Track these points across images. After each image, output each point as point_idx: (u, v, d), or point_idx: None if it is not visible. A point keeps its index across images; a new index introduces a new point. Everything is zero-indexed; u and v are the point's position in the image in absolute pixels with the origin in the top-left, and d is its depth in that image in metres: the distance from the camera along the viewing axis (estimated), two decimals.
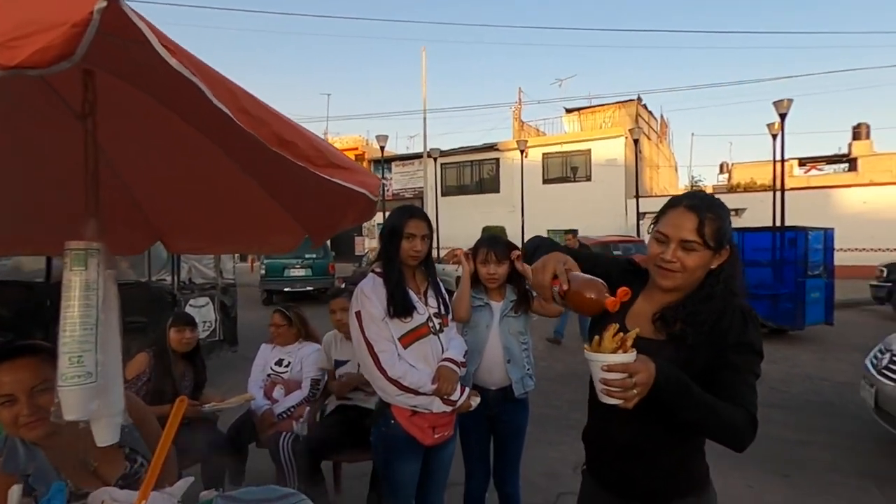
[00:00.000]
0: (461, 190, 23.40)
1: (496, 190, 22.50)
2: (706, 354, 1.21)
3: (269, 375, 3.28)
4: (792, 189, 15.84)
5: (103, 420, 1.17)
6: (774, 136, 13.59)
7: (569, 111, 24.94)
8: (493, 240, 2.43)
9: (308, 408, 3.03)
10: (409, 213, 2.01)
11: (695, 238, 1.19)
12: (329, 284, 13.11)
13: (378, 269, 2.01)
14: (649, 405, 1.06)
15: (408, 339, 1.93)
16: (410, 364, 1.93)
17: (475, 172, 23.45)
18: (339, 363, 2.99)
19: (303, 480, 2.80)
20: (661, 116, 27.48)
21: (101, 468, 1.36)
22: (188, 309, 5.51)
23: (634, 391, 1.01)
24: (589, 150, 20.84)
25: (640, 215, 16.77)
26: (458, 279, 2.53)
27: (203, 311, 5.95)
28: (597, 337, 1.08)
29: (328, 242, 13.51)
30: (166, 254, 5.97)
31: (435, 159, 20.93)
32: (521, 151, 18.93)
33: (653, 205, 19.16)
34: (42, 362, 1.31)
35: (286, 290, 12.78)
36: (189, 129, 1.70)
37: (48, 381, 1.26)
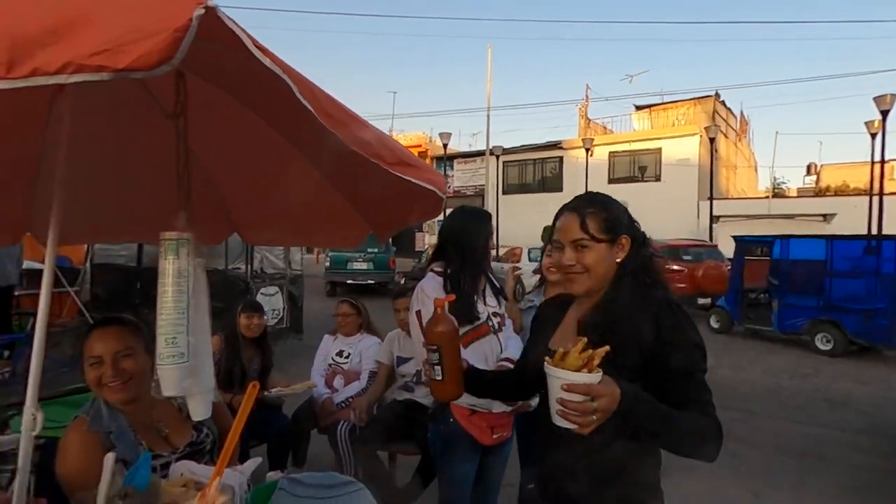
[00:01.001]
0: (522, 188, 23.11)
1: (559, 189, 22.03)
2: (635, 355, 1.12)
3: (329, 365, 3.40)
4: (892, 193, 14.32)
5: (197, 396, 1.27)
6: (874, 135, 12.34)
7: (639, 108, 23.95)
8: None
9: (366, 399, 3.11)
10: (488, 218, 2.03)
11: (581, 235, 1.18)
12: (389, 278, 13.42)
13: (438, 269, 2.00)
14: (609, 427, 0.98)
15: (468, 339, 1.92)
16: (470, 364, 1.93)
17: (538, 171, 23.08)
18: (401, 360, 3.06)
19: (360, 468, 2.89)
20: (742, 113, 25.73)
21: (171, 435, 1.51)
22: (259, 297, 5.82)
23: (593, 417, 0.92)
24: (659, 149, 19.91)
25: (713, 218, 15.83)
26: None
27: (272, 300, 6.27)
28: (561, 350, 0.99)
29: (390, 238, 13.84)
30: (241, 244, 6.35)
31: (497, 157, 20.82)
32: (587, 150, 18.41)
33: (728, 208, 18.04)
34: (128, 332, 1.50)
35: (349, 282, 13.21)
36: (268, 130, 1.79)
37: (131, 349, 1.46)
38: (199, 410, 1.36)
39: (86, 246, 6.49)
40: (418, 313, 1.96)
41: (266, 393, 3.06)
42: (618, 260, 1.21)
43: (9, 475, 1.64)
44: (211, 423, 1.56)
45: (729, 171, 23.31)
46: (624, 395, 0.94)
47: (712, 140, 16.45)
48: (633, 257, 1.22)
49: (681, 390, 1.09)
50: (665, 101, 23.52)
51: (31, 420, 1.18)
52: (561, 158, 22.20)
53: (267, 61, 0.71)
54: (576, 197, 1.28)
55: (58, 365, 4.56)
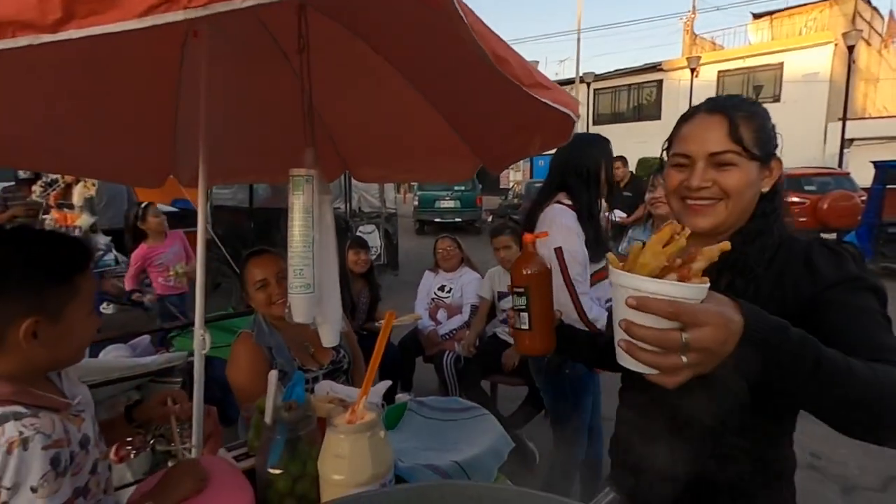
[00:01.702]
0: (616, 117, 21.51)
1: (657, 116, 20.22)
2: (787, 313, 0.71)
3: (432, 299, 3.52)
4: None
5: (326, 325, 1.36)
6: None
7: (757, 17, 20.83)
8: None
9: (473, 332, 3.20)
10: (607, 143, 1.90)
11: (728, 147, 0.86)
12: (476, 216, 13.44)
13: (566, 201, 1.88)
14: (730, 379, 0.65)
15: (594, 280, 1.85)
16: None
17: (633, 97, 21.25)
18: (501, 295, 3.10)
19: (464, 395, 3.04)
20: (891, 13, 21.45)
21: (317, 353, 1.73)
22: (358, 234, 6.11)
23: (682, 359, 0.57)
24: (781, 64, 17.36)
25: (844, 142, 13.79)
26: None
27: (370, 237, 6.56)
28: (638, 244, 0.65)
29: (475, 176, 13.72)
30: (341, 184, 6.61)
31: (588, 84, 19.42)
32: (692, 70, 16.54)
33: (865, 129, 15.54)
34: (278, 257, 1.71)
35: (437, 220, 13.42)
36: (378, 61, 1.77)
37: (283, 271, 1.61)
38: (329, 338, 1.46)
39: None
40: (559, 251, 1.77)
41: (375, 324, 3.26)
42: (764, 189, 0.91)
43: (178, 385, 1.92)
44: (347, 346, 1.72)
45: (869, 85, 19.89)
46: (750, 324, 0.59)
47: (851, 49, 13.98)
48: (779, 189, 0.93)
49: (845, 326, 0.76)
50: (791, 5, 20.19)
51: (201, 340, 1.34)
52: (660, 82, 20.19)
53: None
54: (714, 98, 0.95)
55: (192, 296, 5.19)
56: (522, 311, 1.05)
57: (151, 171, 2.15)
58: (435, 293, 3.53)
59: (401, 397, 1.63)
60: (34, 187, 5.02)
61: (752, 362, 0.61)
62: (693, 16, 21.35)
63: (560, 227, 1.79)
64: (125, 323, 3.93)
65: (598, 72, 19.91)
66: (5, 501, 0.84)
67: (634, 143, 19.39)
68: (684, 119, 0.96)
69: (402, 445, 1.35)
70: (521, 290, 1.05)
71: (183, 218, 6.54)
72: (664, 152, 1.02)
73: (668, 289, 0.57)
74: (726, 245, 0.64)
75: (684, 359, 0.57)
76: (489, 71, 0.89)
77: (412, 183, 14.33)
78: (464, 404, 1.59)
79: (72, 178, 4.85)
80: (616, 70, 21.28)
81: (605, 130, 20.66)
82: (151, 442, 1.39)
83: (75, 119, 1.71)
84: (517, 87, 0.96)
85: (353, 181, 6.23)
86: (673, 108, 19.02)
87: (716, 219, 0.89)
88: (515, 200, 15.28)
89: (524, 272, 1.05)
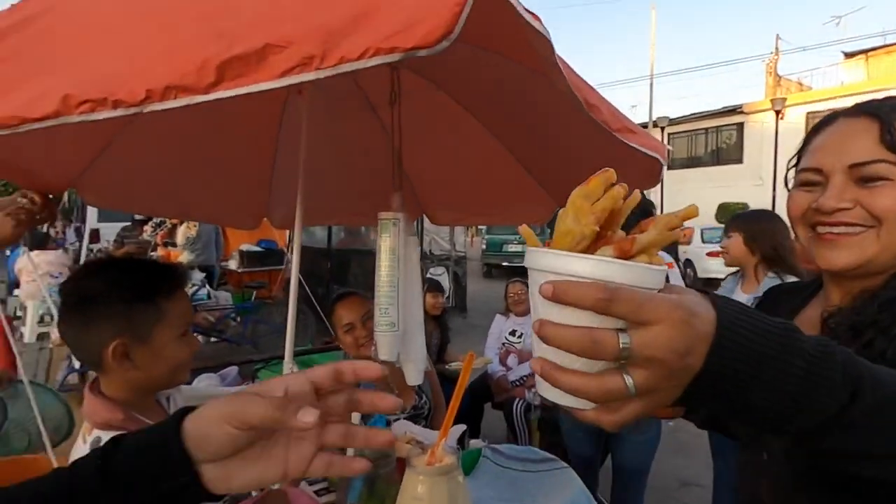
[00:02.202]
0: (692, 162, 20.76)
1: (738, 160, 19.29)
2: None
3: (503, 344, 3.48)
4: None
5: (410, 364, 1.38)
6: None
7: (849, 55, 19.65)
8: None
9: None
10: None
11: (880, 156, 0.63)
12: None
13: None
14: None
15: None
16: None
17: (711, 141, 20.48)
18: None
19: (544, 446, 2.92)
20: None
21: (401, 396, 1.73)
22: (429, 276, 6.22)
23: (629, 381, 0.37)
24: None
25: None
26: None
27: (440, 279, 6.65)
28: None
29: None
30: (415, 227, 6.83)
31: (662, 129, 18.99)
32: (777, 112, 15.74)
33: None
34: (363, 300, 1.78)
35: (504, 264, 13.38)
36: (457, 110, 1.86)
37: (369, 312, 1.66)
38: (412, 376, 1.48)
39: (287, 231, 7.60)
40: None
41: (446, 366, 3.25)
42: None
43: None
44: (429, 392, 1.73)
45: None
46: (726, 323, 0.38)
47: None
48: None
49: None
50: (888, 42, 18.89)
51: (289, 372, 1.40)
52: (740, 125, 19.35)
53: (536, 24, 0.70)
54: (859, 103, 0.73)
55: (272, 330, 5.48)
56: None
57: (250, 213, 2.34)
58: (506, 338, 3.49)
59: (475, 443, 1.61)
60: (146, 227, 5.61)
61: (725, 387, 0.38)
62: (776, 56, 20.53)
63: None
64: (212, 354, 4.21)
65: (671, 116, 19.47)
66: None
67: (713, 188, 18.53)
68: (819, 127, 0.76)
69: (478, 493, 1.32)
70: None
71: (268, 256, 7.00)
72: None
73: (599, 268, 0.37)
74: (694, 210, 0.42)
75: (629, 380, 0.36)
76: (576, 117, 0.92)
77: (480, 227, 14.50)
78: (541, 455, 1.53)
79: (177, 219, 5.40)
80: (692, 114, 20.71)
81: (680, 175, 19.96)
82: None
83: (187, 168, 1.93)
84: (605, 132, 0.97)
85: (425, 224, 6.41)
86: (755, 151, 18.07)
87: (861, 253, 0.65)
88: None
89: None
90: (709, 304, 0.38)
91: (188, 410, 0.40)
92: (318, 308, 3.13)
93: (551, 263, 0.39)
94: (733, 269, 2.35)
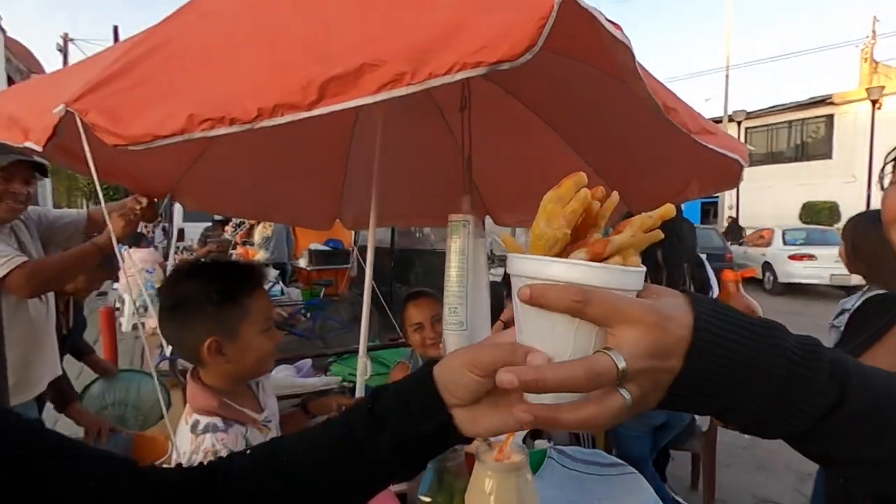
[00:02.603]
0: (773, 158, 19.34)
1: (826, 155, 17.74)
2: None
3: None
4: None
5: None
6: None
7: None
8: None
9: None
10: None
11: None
12: None
13: None
14: None
15: None
16: None
17: (795, 135, 18.98)
18: None
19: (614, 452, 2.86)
20: None
21: None
22: (490, 278, 6.20)
23: (625, 395, 0.37)
24: None
25: None
26: None
27: (498, 280, 6.64)
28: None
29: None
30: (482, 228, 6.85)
31: (738, 123, 17.87)
32: (873, 101, 14.35)
33: None
34: (433, 300, 1.81)
35: None
36: (525, 114, 1.88)
37: (438, 314, 1.70)
38: None
39: (352, 232, 7.88)
40: None
41: None
42: None
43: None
44: None
45: None
46: (703, 323, 0.37)
47: None
48: None
49: None
50: None
51: (363, 365, 1.49)
52: (830, 117, 17.79)
53: (618, 34, 0.72)
54: None
55: (339, 326, 5.72)
56: None
57: (324, 215, 2.48)
58: None
59: (539, 444, 1.61)
60: (227, 228, 6.04)
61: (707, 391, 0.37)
62: (873, 41, 18.70)
63: None
64: (283, 347, 4.46)
65: (748, 109, 18.26)
66: None
67: (798, 186, 17.19)
68: None
69: (545, 493, 1.33)
70: None
71: (335, 255, 7.30)
72: None
73: (572, 272, 0.37)
74: (670, 210, 0.41)
75: (626, 395, 0.36)
76: (652, 120, 0.91)
77: None
78: (609, 459, 1.52)
79: (254, 220, 5.78)
80: (773, 107, 19.30)
81: (760, 172, 18.66)
82: None
83: (268, 174, 2.08)
84: (683, 135, 0.95)
85: (487, 225, 6.41)
86: (847, 145, 16.55)
87: None
88: None
89: None
90: (687, 306, 0.37)
91: (435, 361, 0.45)
92: (384, 305, 3.24)
93: (527, 268, 0.40)
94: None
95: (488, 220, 2.69)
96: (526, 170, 2.16)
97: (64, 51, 17.54)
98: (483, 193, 2.48)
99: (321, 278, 6.87)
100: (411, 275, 6.92)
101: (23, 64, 11.25)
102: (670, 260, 2.05)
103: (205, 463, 0.50)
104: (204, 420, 1.04)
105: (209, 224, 7.09)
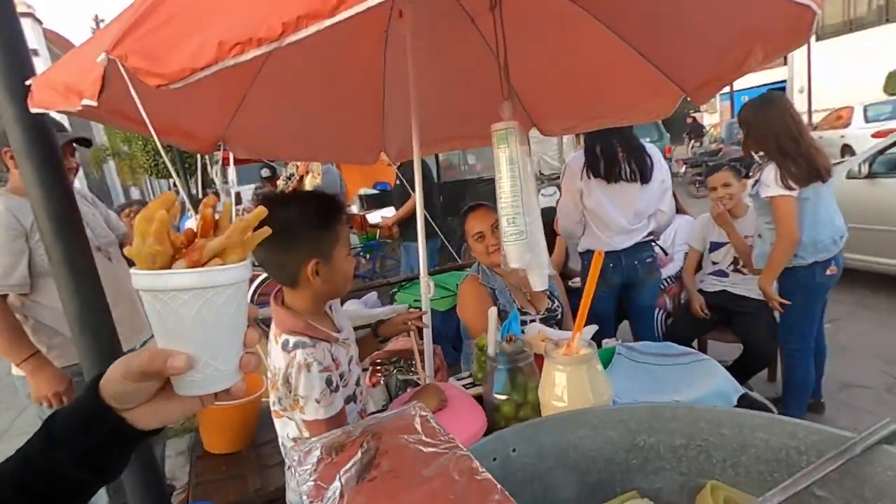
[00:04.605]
0: (849, 26, 17.03)
1: None
2: None
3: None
4: None
5: (535, 270, 1.43)
6: None
7: None
8: None
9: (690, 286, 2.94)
10: None
11: None
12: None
13: None
14: None
15: None
16: None
17: None
18: (715, 245, 2.77)
19: None
20: None
21: (534, 299, 1.81)
22: (541, 198, 6.11)
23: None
24: None
25: None
26: None
27: (552, 199, 6.50)
28: None
29: (660, 123, 12.39)
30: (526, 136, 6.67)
31: None
32: None
33: None
34: (490, 210, 1.82)
35: None
36: (562, 4, 1.74)
37: (496, 222, 1.67)
38: (538, 282, 1.53)
39: (397, 171, 7.90)
40: None
41: (569, 283, 3.25)
42: None
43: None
44: (561, 298, 1.78)
45: None
46: None
47: None
48: None
49: None
50: None
51: (426, 285, 1.54)
52: None
53: None
54: None
55: (398, 263, 5.89)
56: None
57: (367, 149, 2.49)
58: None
59: (608, 342, 1.63)
60: (278, 182, 6.21)
61: None
62: None
63: None
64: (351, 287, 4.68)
65: None
66: (301, 406, 1.13)
67: (879, 55, 15.11)
68: None
69: (616, 385, 1.36)
70: None
71: (384, 197, 7.38)
72: None
73: (173, 280, 0.43)
74: (262, 211, 0.49)
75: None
76: None
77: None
78: (680, 349, 1.51)
79: (303, 170, 5.89)
80: None
81: (834, 44, 16.56)
82: (394, 371, 1.66)
83: (309, 112, 2.09)
84: None
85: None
86: None
87: None
88: (713, 146, 13.39)
89: None
90: None
91: (100, 376, 0.50)
92: (440, 234, 3.29)
93: (143, 283, 0.44)
94: None
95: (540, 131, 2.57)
96: (569, 70, 2.04)
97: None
98: (526, 104, 2.38)
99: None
100: (462, 206, 6.91)
101: (63, 52, 11.68)
102: (606, 153, 2.24)
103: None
104: (293, 339, 1.14)
105: (258, 184, 7.32)
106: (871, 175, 3.93)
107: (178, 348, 0.44)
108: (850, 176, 4.03)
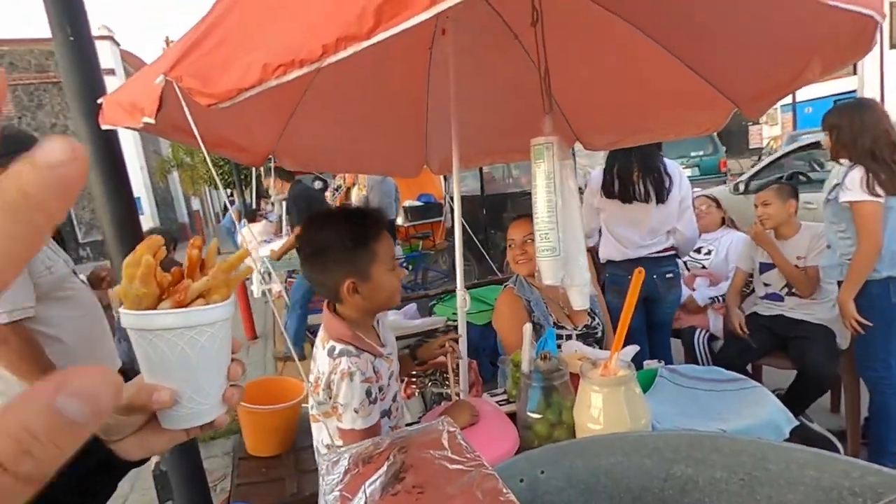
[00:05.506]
0: None
1: None
2: None
3: (684, 262, 3.17)
4: None
5: (574, 288, 1.40)
6: None
7: None
8: None
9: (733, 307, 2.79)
10: None
11: None
12: (721, 183, 11.72)
13: None
14: None
15: None
16: None
17: None
18: (765, 267, 2.62)
19: None
20: None
21: (572, 314, 1.76)
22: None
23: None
24: None
25: None
26: None
27: None
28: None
29: (716, 136, 11.93)
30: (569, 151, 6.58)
31: None
32: None
33: None
34: (528, 222, 1.75)
35: None
36: (607, 19, 1.71)
37: (530, 234, 1.66)
38: (577, 301, 1.49)
39: (442, 184, 7.96)
40: None
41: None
42: None
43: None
44: (601, 315, 1.73)
45: None
46: None
47: None
48: None
49: None
50: None
51: (462, 298, 1.54)
52: None
53: None
54: None
55: (440, 275, 5.92)
56: None
57: (411, 162, 2.53)
58: (690, 255, 3.17)
59: (649, 363, 1.57)
60: (326, 194, 6.42)
61: None
62: None
63: None
64: None
65: None
66: (340, 413, 1.15)
67: None
68: None
69: (657, 409, 1.30)
70: None
71: (428, 210, 7.47)
72: None
73: (158, 320, 0.45)
74: (245, 252, 0.50)
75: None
76: None
77: None
78: (728, 375, 1.44)
79: (350, 182, 6.06)
80: None
81: None
82: (429, 384, 1.67)
83: (355, 127, 2.15)
84: None
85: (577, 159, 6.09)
86: None
87: None
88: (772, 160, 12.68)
89: None
90: None
91: None
92: (481, 249, 3.28)
93: (131, 322, 0.45)
94: None
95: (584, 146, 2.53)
96: (614, 83, 2.00)
97: None
98: (569, 118, 2.36)
99: (418, 232, 7.10)
100: (504, 219, 6.88)
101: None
102: (621, 173, 2.33)
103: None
104: (339, 346, 1.17)
105: None
106: None
107: (163, 383, 0.45)
108: None
